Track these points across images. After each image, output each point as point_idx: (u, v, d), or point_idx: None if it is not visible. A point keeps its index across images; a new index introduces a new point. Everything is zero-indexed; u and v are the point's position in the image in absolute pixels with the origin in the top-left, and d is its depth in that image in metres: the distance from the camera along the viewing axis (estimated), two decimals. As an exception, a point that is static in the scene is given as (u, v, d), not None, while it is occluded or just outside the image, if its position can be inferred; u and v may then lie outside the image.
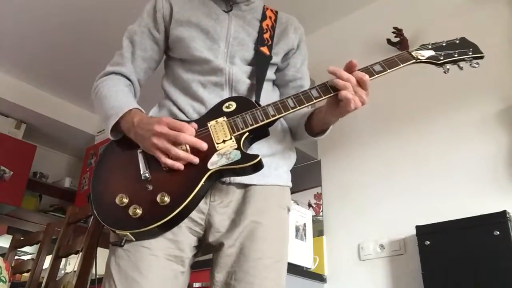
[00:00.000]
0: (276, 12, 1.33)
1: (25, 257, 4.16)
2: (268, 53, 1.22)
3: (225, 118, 1.08)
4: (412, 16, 2.58)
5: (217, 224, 1.06)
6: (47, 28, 3.17)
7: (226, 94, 1.15)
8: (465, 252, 1.82)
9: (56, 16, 3.05)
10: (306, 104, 1.06)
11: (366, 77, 1.04)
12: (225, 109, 1.10)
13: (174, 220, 0.98)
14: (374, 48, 2.64)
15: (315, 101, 1.06)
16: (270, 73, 1.24)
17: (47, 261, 2.14)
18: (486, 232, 1.79)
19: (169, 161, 1.00)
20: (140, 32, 1.23)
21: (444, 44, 1.17)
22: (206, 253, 1.14)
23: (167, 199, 0.97)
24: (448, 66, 1.12)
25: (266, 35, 1.25)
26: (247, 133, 1.05)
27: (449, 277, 1.83)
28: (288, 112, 1.06)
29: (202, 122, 1.08)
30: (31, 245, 2.36)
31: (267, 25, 1.27)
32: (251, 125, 1.05)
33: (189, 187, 0.99)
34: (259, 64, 1.20)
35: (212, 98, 1.14)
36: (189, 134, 1.01)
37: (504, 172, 1.99)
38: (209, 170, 1.00)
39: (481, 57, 1.13)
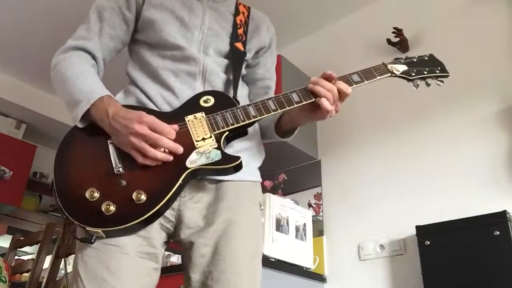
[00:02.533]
0: (249, 8, 1.31)
1: (25, 257, 4.16)
2: (242, 49, 1.21)
3: (203, 114, 1.05)
4: (412, 16, 2.58)
5: (187, 220, 1.03)
6: (47, 28, 3.17)
7: (198, 85, 1.12)
8: (465, 252, 1.82)
9: (56, 15, 3.05)
10: (287, 108, 1.06)
11: (349, 90, 1.06)
12: (203, 104, 1.07)
13: (149, 219, 0.95)
14: (374, 48, 2.64)
15: (295, 105, 1.06)
16: (243, 69, 1.23)
17: (47, 261, 2.14)
18: (486, 232, 1.79)
19: (148, 161, 0.96)
20: (110, 8, 1.15)
21: (415, 60, 1.21)
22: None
23: (143, 197, 0.94)
24: (418, 82, 1.18)
25: (240, 31, 1.23)
26: (227, 132, 1.03)
27: (449, 277, 1.83)
28: (269, 114, 1.05)
29: (178, 115, 1.04)
30: (31, 245, 2.36)
31: (241, 21, 1.25)
32: (232, 124, 1.03)
33: (167, 186, 0.96)
34: (235, 59, 1.18)
35: (184, 89, 1.10)
36: (169, 137, 0.97)
37: (504, 172, 1.99)
38: (187, 168, 0.97)
39: (447, 76, 1.20)
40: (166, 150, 0.97)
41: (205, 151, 0.99)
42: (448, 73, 1.19)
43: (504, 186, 1.97)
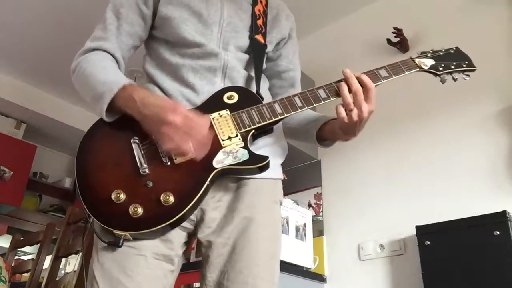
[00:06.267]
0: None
1: (25, 257, 4.16)
2: (263, 41, 1.18)
3: (228, 112, 1.02)
4: (412, 16, 2.58)
5: (208, 220, 1.01)
6: (47, 28, 3.17)
7: (218, 81, 1.09)
8: (465, 252, 1.82)
9: (56, 16, 3.05)
10: (314, 105, 1.04)
11: (372, 85, 1.03)
12: (226, 100, 1.04)
13: (178, 221, 0.93)
14: (374, 48, 2.64)
15: (323, 102, 1.04)
16: (264, 64, 1.19)
17: (47, 261, 2.14)
18: (486, 232, 1.79)
19: (174, 150, 0.92)
20: (127, 4, 1.11)
21: (441, 54, 1.17)
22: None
23: (171, 199, 0.91)
24: (446, 77, 1.15)
25: (259, 22, 1.19)
26: (253, 130, 1.01)
27: (449, 277, 1.83)
28: (295, 112, 1.03)
29: (202, 112, 0.99)
30: (31, 245, 2.36)
31: (259, 10, 1.21)
32: (258, 122, 1.00)
33: (195, 187, 0.93)
34: (256, 53, 1.15)
35: (203, 85, 1.07)
36: (203, 130, 0.94)
37: (504, 172, 1.99)
38: (215, 168, 0.95)
39: (473, 70, 1.16)
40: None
41: (231, 151, 0.97)
42: (475, 67, 1.15)
43: (504, 186, 1.97)
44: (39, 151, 4.13)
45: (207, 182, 0.94)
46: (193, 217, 1.01)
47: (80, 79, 1.05)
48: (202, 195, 0.94)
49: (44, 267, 2.16)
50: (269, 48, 1.20)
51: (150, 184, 0.93)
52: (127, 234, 0.90)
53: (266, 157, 0.97)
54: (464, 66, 1.15)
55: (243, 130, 1.00)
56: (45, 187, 4.25)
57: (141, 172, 0.94)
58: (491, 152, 2.06)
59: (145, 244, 0.95)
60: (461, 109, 2.22)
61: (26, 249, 3.19)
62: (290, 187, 2.65)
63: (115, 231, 0.90)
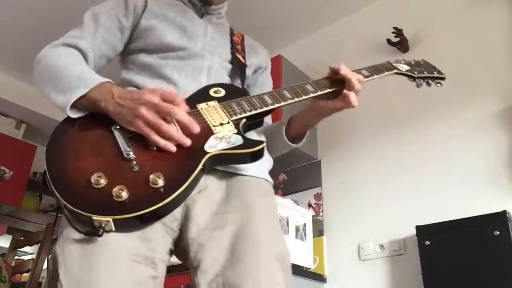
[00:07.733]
0: (242, 35, 1.31)
1: (25, 257, 4.16)
2: (243, 61, 1.20)
3: (216, 102, 0.99)
4: (412, 16, 2.58)
5: (195, 216, 0.92)
6: (47, 28, 3.17)
7: (203, 81, 1.06)
8: (465, 252, 1.82)
9: (57, 16, 3.05)
10: (303, 98, 1.04)
11: (361, 77, 1.08)
12: (213, 94, 1.02)
13: (168, 207, 0.83)
14: (374, 48, 2.64)
15: (311, 95, 1.05)
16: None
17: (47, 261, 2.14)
18: (486, 232, 1.79)
19: (162, 141, 0.86)
20: (106, 13, 1.09)
21: (413, 63, 1.27)
22: (181, 255, 0.98)
23: (161, 182, 0.82)
24: (421, 81, 1.25)
25: (239, 47, 1.23)
26: (245, 119, 0.97)
27: (449, 277, 1.83)
28: (285, 103, 1.02)
29: (188, 104, 0.93)
30: (31, 245, 2.37)
31: (237, 40, 1.25)
32: (249, 111, 0.98)
33: (186, 171, 0.85)
34: (239, 67, 1.17)
35: (188, 83, 1.04)
36: (183, 109, 0.88)
37: (504, 172, 1.99)
38: (207, 153, 0.88)
39: (443, 78, 1.28)
40: (178, 128, 0.88)
41: (224, 136, 0.91)
42: (444, 75, 1.27)
43: (504, 186, 1.97)
44: (39, 151, 4.12)
45: (200, 166, 0.86)
46: (177, 215, 0.93)
47: (47, 69, 0.98)
48: (194, 181, 0.86)
49: (44, 267, 2.16)
50: (248, 72, 1.21)
51: (136, 168, 0.85)
52: (110, 219, 0.79)
53: (261, 141, 0.93)
54: (435, 73, 1.26)
55: (235, 117, 0.97)
56: (45, 187, 4.24)
57: (125, 156, 0.85)
58: (491, 152, 2.06)
59: (121, 243, 0.84)
60: (461, 109, 2.22)
61: (26, 249, 3.19)
62: (290, 187, 2.66)
63: (94, 217, 0.78)
